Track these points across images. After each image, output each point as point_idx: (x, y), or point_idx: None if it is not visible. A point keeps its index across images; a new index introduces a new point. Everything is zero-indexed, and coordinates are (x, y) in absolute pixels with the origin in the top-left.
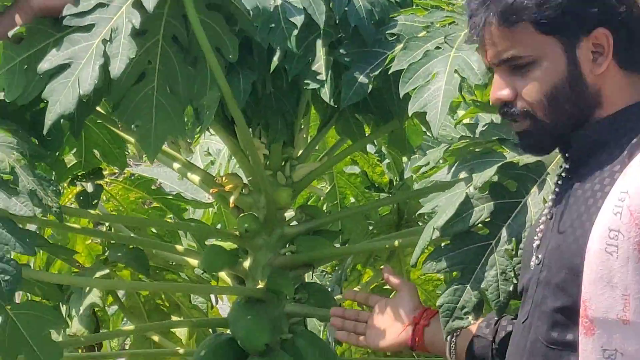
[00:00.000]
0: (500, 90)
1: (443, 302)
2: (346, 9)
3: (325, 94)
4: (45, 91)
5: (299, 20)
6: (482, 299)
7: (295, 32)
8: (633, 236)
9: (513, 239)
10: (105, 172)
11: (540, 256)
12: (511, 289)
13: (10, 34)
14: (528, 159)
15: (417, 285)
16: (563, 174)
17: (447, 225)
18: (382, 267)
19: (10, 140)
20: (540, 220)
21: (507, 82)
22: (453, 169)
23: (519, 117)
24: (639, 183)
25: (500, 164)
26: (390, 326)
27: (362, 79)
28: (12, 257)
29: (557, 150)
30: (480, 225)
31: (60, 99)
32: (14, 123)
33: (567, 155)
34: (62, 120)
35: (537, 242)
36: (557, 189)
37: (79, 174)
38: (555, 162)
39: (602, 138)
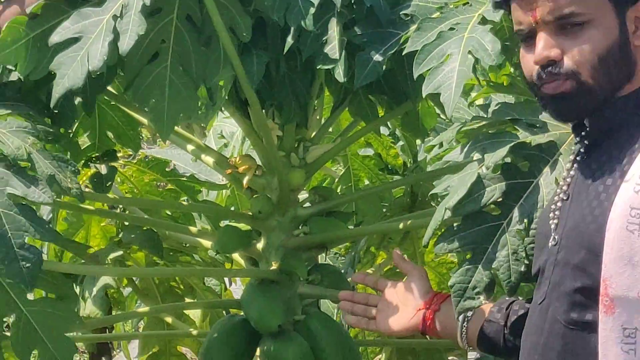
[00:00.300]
0: (549, 48)
1: (455, 282)
2: None
3: (339, 74)
4: (53, 63)
5: None
6: (494, 279)
7: (312, 10)
8: None
9: (525, 219)
10: (119, 155)
11: (557, 237)
12: (522, 269)
13: (28, 10)
14: (540, 139)
15: (431, 269)
16: (579, 155)
17: (459, 205)
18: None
19: (25, 125)
20: (554, 201)
21: (556, 41)
22: (465, 149)
23: (562, 78)
24: None
25: (512, 144)
26: (401, 310)
27: (376, 59)
28: (32, 244)
29: (569, 130)
30: (492, 205)
31: (69, 73)
32: (27, 104)
33: (583, 134)
34: (76, 99)
35: (555, 222)
36: (572, 170)
37: (93, 156)
38: (568, 142)
39: (621, 116)
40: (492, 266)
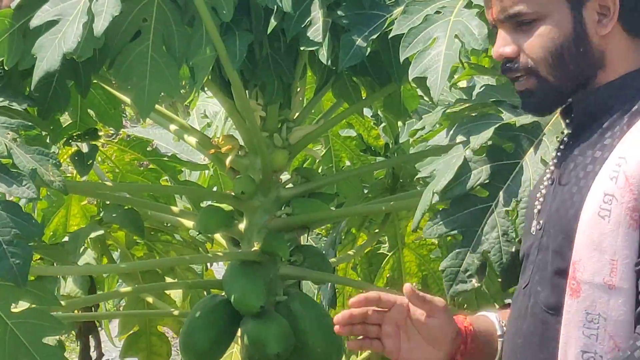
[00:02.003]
0: (503, 46)
1: (446, 267)
2: None
3: (324, 55)
4: (34, 47)
5: None
6: (485, 262)
7: None
8: (626, 201)
9: (513, 199)
10: (100, 133)
11: (541, 222)
12: (514, 250)
13: (13, 4)
14: (524, 119)
15: (411, 250)
16: (565, 139)
17: (447, 189)
18: (376, 231)
19: (3, 120)
20: (541, 186)
21: (511, 39)
22: (450, 132)
23: (522, 74)
24: (636, 149)
25: (497, 125)
26: (425, 347)
27: (360, 41)
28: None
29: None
30: (479, 187)
31: (47, 56)
32: (8, 94)
33: (568, 121)
34: (69, 83)
35: (538, 208)
36: (559, 154)
37: (75, 134)
38: (552, 122)
39: (604, 103)
40: (483, 248)
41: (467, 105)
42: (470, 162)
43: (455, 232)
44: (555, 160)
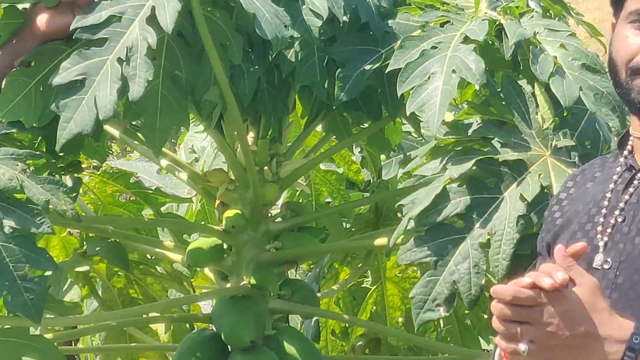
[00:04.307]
0: None
1: (416, 294)
2: (354, 6)
3: (320, 90)
4: (59, 105)
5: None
6: (454, 292)
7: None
8: None
9: (488, 232)
10: (83, 165)
11: (610, 260)
12: (483, 282)
13: (16, 63)
14: (508, 156)
15: (394, 284)
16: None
17: (422, 216)
18: (360, 265)
19: (13, 151)
20: (598, 215)
21: None
22: (434, 165)
23: None
24: None
25: (477, 158)
26: None
27: (357, 76)
28: (34, 275)
29: (541, 152)
30: (455, 218)
31: (75, 117)
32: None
33: None
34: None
35: (605, 240)
36: (631, 189)
37: (58, 165)
38: (538, 163)
39: None
40: (453, 278)
41: (454, 139)
42: (450, 192)
43: (429, 259)
44: (627, 197)
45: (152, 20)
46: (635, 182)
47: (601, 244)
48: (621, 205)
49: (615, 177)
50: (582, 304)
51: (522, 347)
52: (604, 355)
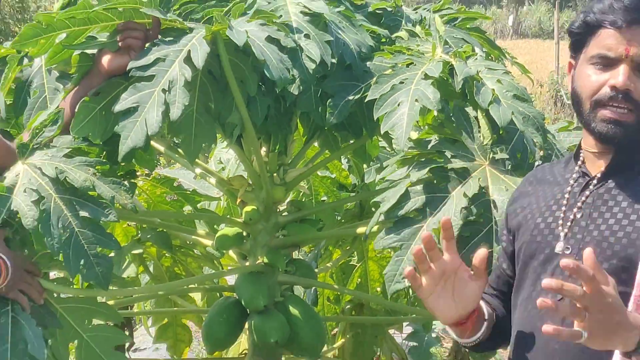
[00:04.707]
0: (630, 81)
1: (387, 271)
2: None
3: (316, 115)
4: (118, 127)
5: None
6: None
7: (314, 66)
8: None
9: (438, 222)
10: (137, 173)
11: (570, 247)
12: None
13: (89, 94)
14: (455, 165)
15: (374, 262)
16: (598, 175)
17: (390, 211)
18: (348, 248)
19: (85, 159)
20: (559, 213)
21: (633, 77)
22: (401, 171)
23: (628, 108)
24: None
25: (432, 167)
26: (455, 306)
27: (343, 104)
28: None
29: (481, 162)
30: (415, 212)
31: (131, 135)
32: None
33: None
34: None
35: (564, 232)
36: (586, 192)
37: (119, 174)
38: (479, 170)
39: None
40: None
41: (416, 152)
42: (410, 193)
43: (396, 244)
44: (583, 197)
45: (188, 60)
46: (591, 186)
47: (562, 234)
48: (579, 204)
49: (571, 181)
50: (616, 297)
51: (585, 333)
52: (628, 341)
